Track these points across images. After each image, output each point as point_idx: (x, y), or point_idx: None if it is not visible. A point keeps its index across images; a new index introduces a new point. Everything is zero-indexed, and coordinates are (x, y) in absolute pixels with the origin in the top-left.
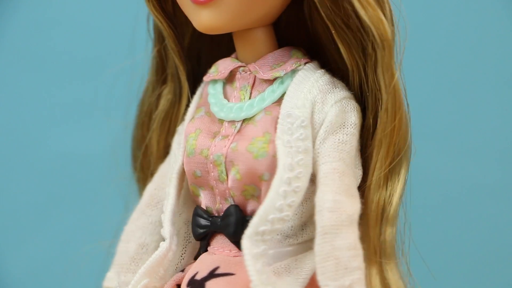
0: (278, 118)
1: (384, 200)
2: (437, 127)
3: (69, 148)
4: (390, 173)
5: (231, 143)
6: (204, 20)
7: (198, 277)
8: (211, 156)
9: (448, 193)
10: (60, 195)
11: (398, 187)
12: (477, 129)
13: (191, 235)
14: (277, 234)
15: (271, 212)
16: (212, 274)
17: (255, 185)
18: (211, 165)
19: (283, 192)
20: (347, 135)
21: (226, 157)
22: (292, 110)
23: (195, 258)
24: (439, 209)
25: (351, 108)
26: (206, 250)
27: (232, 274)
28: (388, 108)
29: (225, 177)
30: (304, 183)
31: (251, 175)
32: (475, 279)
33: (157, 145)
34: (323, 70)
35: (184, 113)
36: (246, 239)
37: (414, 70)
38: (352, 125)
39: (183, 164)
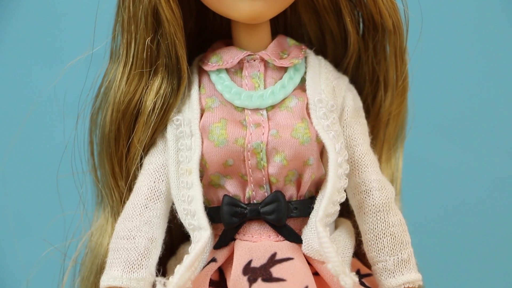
0: (307, 103)
1: (392, 175)
2: (437, 116)
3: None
4: (394, 152)
5: (268, 130)
6: (254, 9)
7: (256, 265)
8: (248, 144)
9: (446, 182)
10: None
11: (400, 164)
12: (478, 119)
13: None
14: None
15: (335, 194)
16: (274, 260)
17: (297, 170)
18: (248, 153)
19: (340, 174)
20: (363, 117)
21: (267, 145)
22: (320, 95)
23: (215, 247)
24: (437, 199)
25: (356, 91)
26: (233, 239)
27: (291, 259)
28: (398, 92)
29: (265, 164)
30: (348, 164)
31: (297, 161)
32: (473, 274)
33: (150, 140)
34: (319, 56)
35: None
36: (318, 223)
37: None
38: (362, 107)
39: (202, 155)
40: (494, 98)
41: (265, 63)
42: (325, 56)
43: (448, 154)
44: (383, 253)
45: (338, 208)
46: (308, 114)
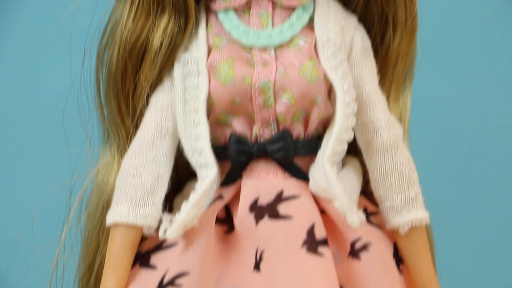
0: (315, 43)
1: (400, 115)
2: (446, 56)
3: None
4: (402, 91)
5: (276, 69)
6: None
7: (263, 203)
8: (256, 83)
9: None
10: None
11: (408, 103)
12: (487, 59)
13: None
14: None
15: (343, 133)
16: (280, 198)
17: (304, 109)
18: (256, 92)
19: (348, 113)
20: (371, 57)
21: (275, 84)
22: (328, 35)
23: (222, 185)
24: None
25: (364, 30)
26: (240, 176)
27: (298, 196)
28: (407, 31)
29: (272, 103)
30: (356, 104)
31: (305, 100)
32: (480, 210)
33: (156, 78)
34: None
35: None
36: (326, 161)
37: None
38: (370, 47)
39: (209, 93)
40: (504, 38)
41: (273, 3)
42: None
43: (456, 93)
44: (390, 191)
45: (346, 146)
46: (316, 53)
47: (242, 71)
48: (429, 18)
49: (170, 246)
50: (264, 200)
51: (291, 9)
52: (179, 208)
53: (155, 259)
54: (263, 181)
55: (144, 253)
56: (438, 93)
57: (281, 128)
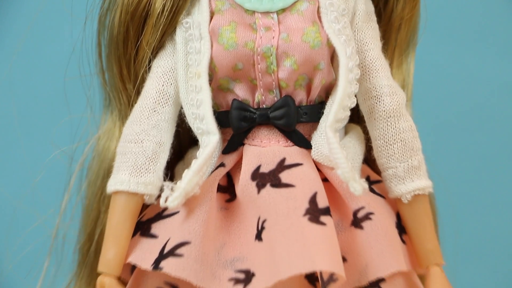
0: (318, 7)
1: (403, 81)
2: (450, 21)
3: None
4: (405, 57)
5: (279, 34)
6: None
7: (265, 170)
8: (258, 48)
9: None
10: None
11: (411, 69)
12: (491, 23)
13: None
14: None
15: (346, 99)
16: (283, 166)
17: (307, 75)
18: (258, 57)
19: (351, 79)
20: (375, 22)
21: (277, 49)
22: None
23: (224, 152)
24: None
25: None
26: (242, 143)
27: (300, 164)
28: None
29: (275, 69)
30: (359, 69)
31: (308, 65)
32: (483, 179)
33: (158, 43)
34: None
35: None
36: (328, 128)
37: None
38: (374, 12)
39: (211, 58)
40: (509, 3)
41: None
42: None
43: (460, 59)
44: (393, 159)
45: (349, 113)
46: (319, 18)
47: (245, 35)
48: None
49: (171, 214)
50: (266, 168)
51: None
52: (180, 176)
53: (156, 228)
54: (265, 148)
55: (145, 221)
56: (441, 59)
57: (283, 94)
